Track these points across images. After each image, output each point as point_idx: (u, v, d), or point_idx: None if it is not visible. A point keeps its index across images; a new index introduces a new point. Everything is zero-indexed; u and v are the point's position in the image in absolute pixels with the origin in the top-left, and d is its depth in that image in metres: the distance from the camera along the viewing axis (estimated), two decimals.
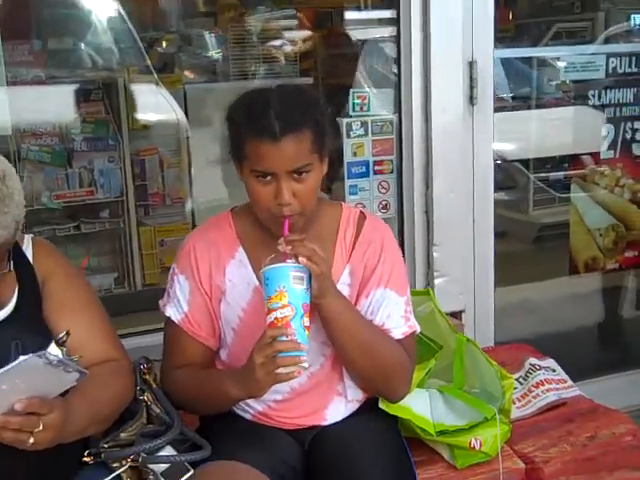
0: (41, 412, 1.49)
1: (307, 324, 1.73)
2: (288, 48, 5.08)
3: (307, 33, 5.38)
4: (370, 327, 1.95)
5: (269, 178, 1.79)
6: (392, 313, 1.97)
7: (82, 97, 4.38)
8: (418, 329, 2.04)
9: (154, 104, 4.59)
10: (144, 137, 4.57)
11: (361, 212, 2.06)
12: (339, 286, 1.93)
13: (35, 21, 4.39)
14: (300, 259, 1.71)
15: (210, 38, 5.26)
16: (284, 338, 1.69)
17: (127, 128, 4.43)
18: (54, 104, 4.36)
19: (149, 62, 4.79)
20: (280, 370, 1.71)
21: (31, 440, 1.50)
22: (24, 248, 1.84)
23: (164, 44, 5.42)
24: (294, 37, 5.24)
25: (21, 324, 1.75)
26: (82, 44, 4.62)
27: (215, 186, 4.39)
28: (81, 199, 4.35)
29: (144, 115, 4.52)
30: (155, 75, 4.71)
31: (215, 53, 5.17)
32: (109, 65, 4.71)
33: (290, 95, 1.87)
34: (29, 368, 1.43)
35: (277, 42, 5.04)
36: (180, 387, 1.98)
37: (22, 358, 1.41)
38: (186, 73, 5.03)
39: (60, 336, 1.51)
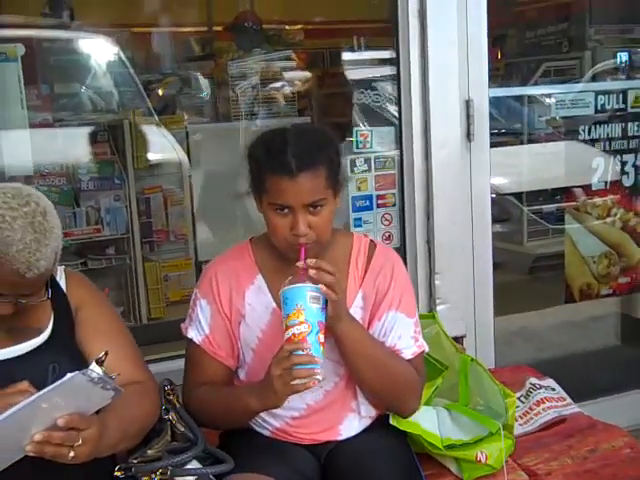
0: (80, 427, 1.56)
1: (322, 340, 1.82)
2: (285, 88, 5.20)
3: (303, 74, 5.51)
4: (381, 347, 2.05)
5: (286, 211, 1.91)
6: (403, 334, 2.07)
7: (89, 139, 4.47)
8: (427, 348, 2.14)
9: (158, 144, 4.69)
10: (148, 176, 4.65)
11: (371, 241, 2.18)
12: (352, 309, 2.04)
13: (41, 67, 4.48)
14: (320, 286, 1.82)
15: (209, 80, 5.37)
16: (300, 352, 1.78)
17: (132, 168, 4.50)
18: (62, 146, 4.46)
19: (150, 104, 4.92)
20: (296, 381, 1.79)
21: (71, 454, 1.55)
22: (58, 278, 1.95)
23: (164, 87, 5.55)
24: (291, 77, 5.36)
25: (57, 348, 1.84)
26: (87, 89, 4.74)
27: (217, 222, 4.51)
28: (88, 236, 4.43)
29: (148, 155, 4.60)
30: (156, 117, 4.83)
31: (212, 95, 5.28)
32: (113, 108, 4.82)
33: (306, 134, 1.99)
34: (72, 385, 1.50)
35: (274, 83, 5.15)
36: (202, 403, 2.06)
37: (69, 375, 1.48)
38: (187, 114, 5.14)
39: (100, 356, 1.60)
